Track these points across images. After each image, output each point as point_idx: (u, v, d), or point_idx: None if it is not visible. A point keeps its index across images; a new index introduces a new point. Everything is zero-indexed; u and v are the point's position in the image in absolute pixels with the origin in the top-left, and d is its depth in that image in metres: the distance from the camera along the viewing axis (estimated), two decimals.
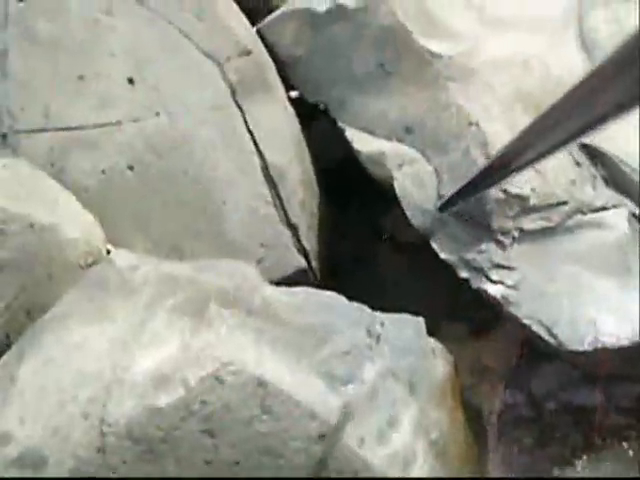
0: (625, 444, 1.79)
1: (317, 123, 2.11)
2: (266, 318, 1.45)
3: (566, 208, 1.79)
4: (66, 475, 1.29)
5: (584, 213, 1.81)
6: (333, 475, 1.36)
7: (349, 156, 2.00)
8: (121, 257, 1.53)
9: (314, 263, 1.91)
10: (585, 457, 1.80)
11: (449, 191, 1.80)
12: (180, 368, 1.34)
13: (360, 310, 1.60)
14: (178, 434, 1.31)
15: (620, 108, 0.89)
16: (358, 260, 2.23)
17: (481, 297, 1.79)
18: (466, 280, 1.77)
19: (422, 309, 1.72)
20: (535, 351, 1.88)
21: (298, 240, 1.86)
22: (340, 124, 1.98)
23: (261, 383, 1.35)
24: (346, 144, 1.96)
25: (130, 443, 1.30)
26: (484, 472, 1.81)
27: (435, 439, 1.55)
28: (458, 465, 1.63)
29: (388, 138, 1.93)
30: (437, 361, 1.67)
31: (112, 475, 1.29)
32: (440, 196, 1.83)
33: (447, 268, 1.81)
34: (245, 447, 1.34)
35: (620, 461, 1.78)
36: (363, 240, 2.26)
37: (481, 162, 1.79)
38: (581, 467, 1.79)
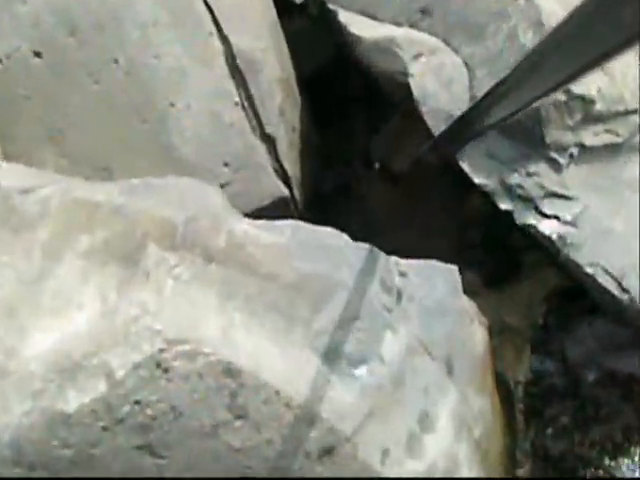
0: None
1: (292, 22, 1.85)
2: (236, 267, 1.08)
3: (636, 119, 1.52)
4: None
5: None
6: None
7: (334, 61, 1.80)
8: (9, 174, 1.10)
9: (296, 191, 1.62)
10: None
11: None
12: (100, 349, 0.98)
13: (371, 253, 1.22)
14: (99, 453, 0.97)
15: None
16: (343, 191, 2.00)
17: (493, 238, 1.64)
18: (509, 213, 1.49)
19: (420, 254, 1.47)
20: (567, 305, 1.70)
21: (276, 158, 1.54)
22: (330, 6, 1.64)
23: (230, 371, 1.00)
24: (337, 36, 1.67)
25: (20, 470, 0.95)
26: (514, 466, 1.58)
27: (479, 438, 1.16)
28: (500, 470, 1.26)
29: (396, 23, 1.58)
30: (474, 327, 1.32)
31: None
32: (472, 98, 1.48)
33: (451, 204, 1.67)
34: (206, 469, 0.97)
35: None
36: (349, 166, 2.02)
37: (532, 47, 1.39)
38: (638, 455, 1.57)
